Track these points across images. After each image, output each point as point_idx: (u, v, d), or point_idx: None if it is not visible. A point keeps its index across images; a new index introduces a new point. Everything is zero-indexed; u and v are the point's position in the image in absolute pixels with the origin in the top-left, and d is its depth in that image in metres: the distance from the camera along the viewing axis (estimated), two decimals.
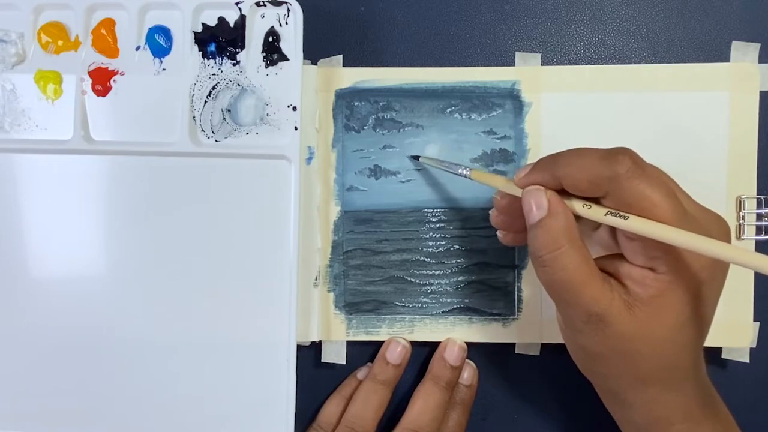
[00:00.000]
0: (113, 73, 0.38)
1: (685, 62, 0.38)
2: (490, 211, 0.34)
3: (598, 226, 0.32)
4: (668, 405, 0.29)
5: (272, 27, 0.38)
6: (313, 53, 0.39)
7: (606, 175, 0.27)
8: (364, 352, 0.40)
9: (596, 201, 0.28)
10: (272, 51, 0.37)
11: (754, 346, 0.38)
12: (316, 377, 0.40)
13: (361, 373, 0.40)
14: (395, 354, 0.38)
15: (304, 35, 0.37)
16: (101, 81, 0.38)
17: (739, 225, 0.38)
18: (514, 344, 0.39)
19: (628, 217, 0.26)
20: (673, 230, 0.25)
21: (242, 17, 0.37)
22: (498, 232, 0.34)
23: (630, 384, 0.30)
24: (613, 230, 0.30)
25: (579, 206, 0.28)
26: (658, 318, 0.27)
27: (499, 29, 0.39)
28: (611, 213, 0.27)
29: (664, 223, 0.26)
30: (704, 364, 0.31)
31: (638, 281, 0.28)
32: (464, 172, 0.35)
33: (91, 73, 0.38)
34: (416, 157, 0.39)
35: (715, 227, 0.29)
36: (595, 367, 0.31)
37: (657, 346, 0.28)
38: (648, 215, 0.26)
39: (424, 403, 0.37)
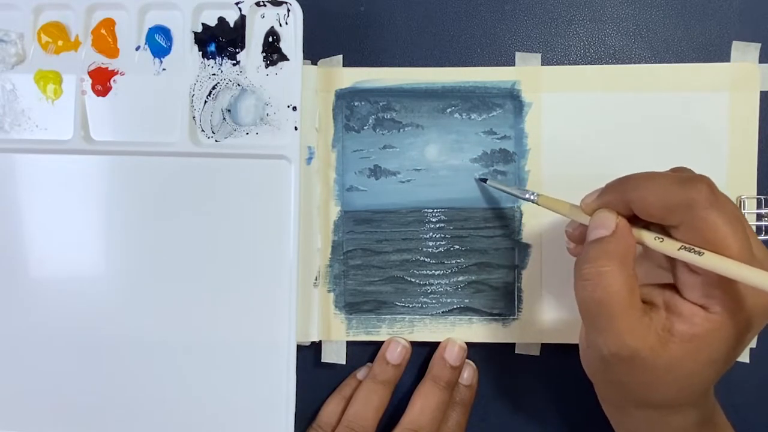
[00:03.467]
0: (113, 73, 0.38)
1: (685, 62, 0.38)
2: (566, 245, 0.33)
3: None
4: (670, 424, 0.29)
5: (272, 27, 0.38)
6: (313, 53, 0.39)
7: (682, 202, 0.26)
8: (364, 352, 0.40)
9: (664, 230, 0.27)
10: (272, 51, 0.37)
11: (754, 346, 0.38)
12: (316, 377, 0.40)
13: (361, 373, 0.40)
14: (395, 354, 0.38)
15: (304, 35, 0.37)
16: (101, 81, 0.38)
17: None
18: (514, 344, 0.39)
19: (704, 253, 0.25)
20: (752, 270, 0.24)
21: (242, 17, 0.37)
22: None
23: (638, 404, 0.29)
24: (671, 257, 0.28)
25: (650, 238, 0.27)
26: (694, 355, 0.26)
27: (499, 29, 0.39)
28: (685, 248, 0.26)
29: (733, 257, 0.25)
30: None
31: (686, 318, 0.26)
32: (532, 197, 0.34)
33: (91, 73, 0.38)
34: (483, 180, 0.38)
35: None
36: (607, 385, 0.30)
37: (681, 379, 0.27)
38: (718, 249, 0.25)
39: (424, 403, 0.37)
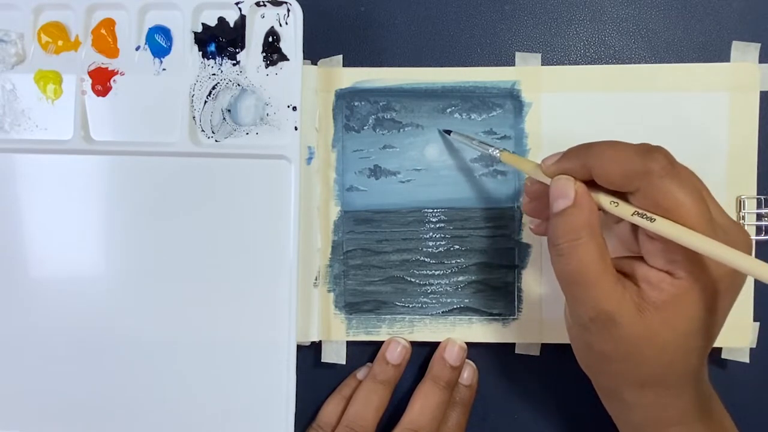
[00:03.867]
0: (113, 73, 0.38)
1: (685, 62, 0.38)
2: (521, 198, 0.34)
3: (619, 220, 0.32)
4: (666, 408, 0.29)
5: (272, 27, 0.38)
6: (313, 53, 0.39)
7: (639, 170, 0.27)
8: (364, 352, 0.40)
9: (624, 196, 0.28)
10: (272, 51, 0.37)
11: (754, 346, 0.38)
12: (316, 377, 0.40)
13: (361, 373, 0.40)
14: (395, 354, 0.38)
15: (304, 35, 0.37)
16: (101, 81, 0.38)
17: None
18: (514, 344, 0.39)
19: (655, 219, 0.26)
20: (699, 237, 0.25)
21: (242, 17, 0.37)
22: (529, 224, 0.34)
23: (630, 385, 0.30)
24: (634, 227, 0.29)
25: (606, 202, 0.28)
26: (669, 323, 0.27)
27: (499, 29, 0.39)
28: (638, 213, 0.27)
29: (690, 227, 0.26)
30: (707, 368, 0.30)
31: (654, 284, 0.27)
32: (494, 153, 0.35)
33: (91, 73, 0.38)
34: (448, 132, 0.38)
35: (739, 239, 0.28)
36: (596, 365, 0.31)
37: (663, 350, 0.28)
38: (675, 217, 0.26)
39: (424, 403, 0.37)
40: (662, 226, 0.26)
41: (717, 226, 0.27)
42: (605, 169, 0.28)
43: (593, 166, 0.28)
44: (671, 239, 0.26)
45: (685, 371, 0.29)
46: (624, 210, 0.27)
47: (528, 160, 0.33)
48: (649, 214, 0.26)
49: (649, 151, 0.27)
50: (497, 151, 0.35)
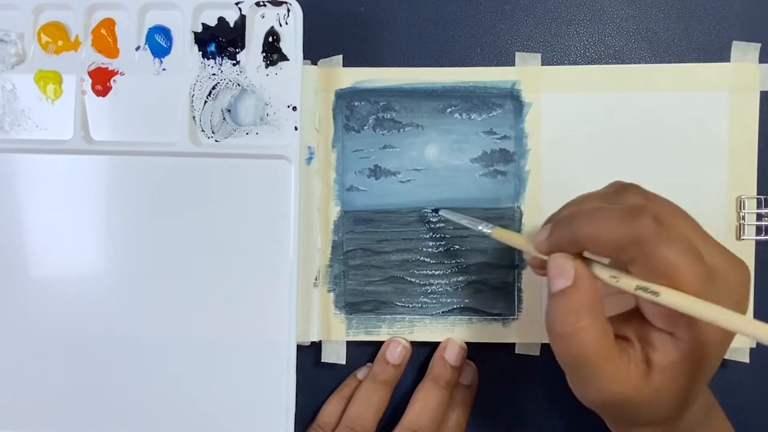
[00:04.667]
0: (113, 73, 0.38)
1: (685, 62, 0.38)
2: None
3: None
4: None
5: (272, 27, 0.38)
6: (313, 53, 0.39)
7: (630, 240, 0.25)
8: (364, 352, 0.40)
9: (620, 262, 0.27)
10: (272, 51, 0.37)
11: (754, 346, 0.38)
12: (316, 377, 0.40)
13: (361, 373, 0.40)
14: (395, 354, 0.38)
15: (304, 35, 0.37)
16: (101, 81, 0.38)
17: (739, 225, 0.38)
18: (514, 344, 0.39)
19: (659, 293, 0.25)
20: (705, 306, 0.24)
21: (242, 17, 0.37)
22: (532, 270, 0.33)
23: (633, 425, 0.29)
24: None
25: (606, 276, 0.27)
26: (674, 381, 0.27)
27: (499, 29, 0.39)
28: (641, 288, 0.26)
29: (689, 289, 0.25)
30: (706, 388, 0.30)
31: (658, 348, 0.26)
32: (485, 230, 0.34)
33: (91, 73, 0.38)
34: (436, 211, 0.39)
35: (736, 277, 0.27)
36: (604, 417, 0.30)
37: (666, 403, 0.27)
38: (674, 281, 0.25)
39: (424, 403, 0.37)
40: (668, 299, 0.25)
41: (714, 277, 0.26)
42: (595, 242, 0.27)
43: (582, 240, 0.27)
44: (676, 309, 0.25)
45: (683, 411, 0.28)
46: (626, 284, 0.26)
47: (519, 236, 0.32)
48: (652, 288, 0.25)
49: (632, 214, 0.26)
50: (488, 228, 0.34)
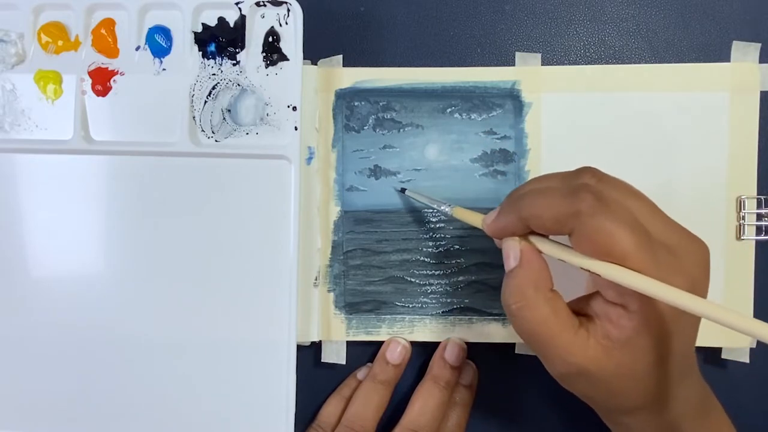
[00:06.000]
0: (113, 73, 0.38)
1: (685, 62, 0.38)
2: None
3: None
4: (660, 425, 0.29)
5: (272, 27, 0.38)
6: (313, 53, 0.39)
7: (568, 213, 0.26)
8: (364, 352, 0.40)
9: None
10: (272, 51, 0.37)
11: (754, 346, 0.38)
12: (316, 377, 0.40)
13: (361, 373, 0.40)
14: (395, 354, 0.38)
15: (304, 35, 0.37)
16: (101, 81, 0.38)
17: (739, 225, 0.38)
18: (514, 344, 0.39)
19: (600, 275, 0.26)
20: (638, 277, 0.25)
21: (242, 17, 0.37)
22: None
23: (618, 414, 0.30)
24: None
25: (554, 252, 0.28)
26: (637, 357, 0.27)
27: (499, 29, 0.39)
28: (585, 270, 0.27)
29: (626, 258, 0.25)
30: (696, 373, 0.30)
31: (614, 322, 0.27)
32: (447, 209, 0.35)
33: (91, 73, 0.38)
34: (402, 191, 0.39)
35: (691, 256, 0.27)
36: (584, 399, 0.30)
37: (639, 382, 0.28)
38: (611, 251, 0.25)
39: (423, 403, 0.37)
40: (610, 273, 0.26)
41: (659, 251, 0.26)
42: (537, 218, 0.27)
43: (527, 218, 0.28)
44: (613, 281, 0.26)
45: (665, 395, 0.28)
46: (573, 263, 0.27)
47: (476, 214, 0.32)
48: (593, 270, 0.26)
49: (575, 191, 0.27)
50: (449, 207, 0.35)
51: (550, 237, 0.29)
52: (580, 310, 0.29)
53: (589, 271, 0.26)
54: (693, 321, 0.28)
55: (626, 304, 0.27)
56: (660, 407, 0.29)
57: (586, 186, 0.27)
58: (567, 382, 0.29)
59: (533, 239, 0.29)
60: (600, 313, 0.28)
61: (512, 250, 0.29)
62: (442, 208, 0.36)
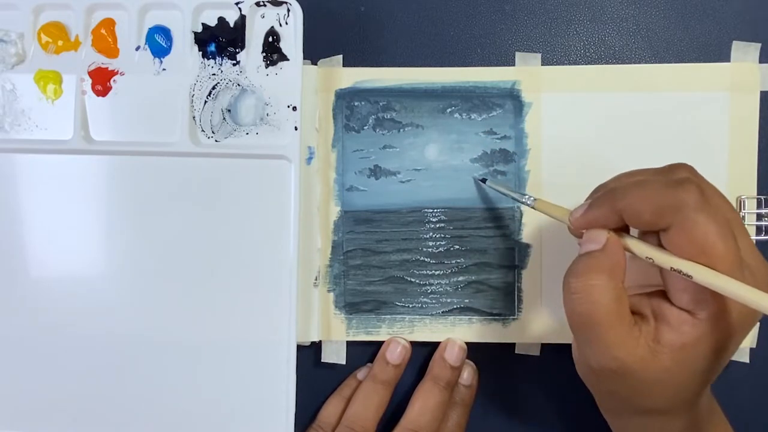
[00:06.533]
0: (113, 73, 0.38)
1: (685, 62, 0.38)
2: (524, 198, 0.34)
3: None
4: (668, 428, 0.29)
5: (272, 27, 0.38)
6: (313, 53, 0.39)
7: (671, 204, 0.25)
8: (364, 352, 0.40)
9: (656, 238, 0.27)
10: (272, 51, 0.37)
11: (754, 346, 0.38)
12: (316, 377, 0.40)
13: (361, 374, 0.40)
14: (395, 354, 0.38)
15: (304, 35, 0.37)
16: (101, 81, 0.38)
17: None
18: (514, 344, 0.39)
19: (691, 276, 0.25)
20: (742, 287, 0.24)
21: (242, 17, 0.37)
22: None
23: (634, 412, 0.29)
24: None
25: (642, 256, 0.27)
26: (684, 364, 0.26)
27: (499, 29, 0.39)
28: (675, 270, 0.26)
29: (723, 268, 0.25)
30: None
31: (674, 326, 0.26)
32: (528, 201, 0.34)
33: (91, 73, 0.38)
34: (483, 180, 0.38)
35: (763, 276, 0.27)
36: (600, 394, 0.30)
37: (678, 387, 0.27)
38: (707, 251, 0.25)
39: (424, 403, 0.37)
40: (702, 277, 0.25)
41: (745, 267, 0.26)
42: (635, 208, 0.26)
43: (623, 209, 0.27)
44: (712, 288, 0.25)
45: (690, 400, 0.28)
46: (662, 262, 0.26)
47: (561, 208, 0.31)
48: (685, 271, 0.25)
49: (679, 182, 0.26)
50: (531, 199, 0.34)
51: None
52: (632, 307, 0.28)
53: (679, 271, 0.25)
54: (741, 339, 0.28)
55: (696, 311, 0.26)
56: (687, 410, 0.28)
57: (689, 179, 0.26)
58: (601, 376, 0.28)
59: (623, 236, 0.28)
60: (659, 314, 0.27)
61: (596, 235, 0.28)
62: (523, 200, 0.35)
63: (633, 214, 0.27)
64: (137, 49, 0.38)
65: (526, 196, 0.34)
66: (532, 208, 0.34)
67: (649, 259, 0.27)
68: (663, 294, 0.27)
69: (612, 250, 0.27)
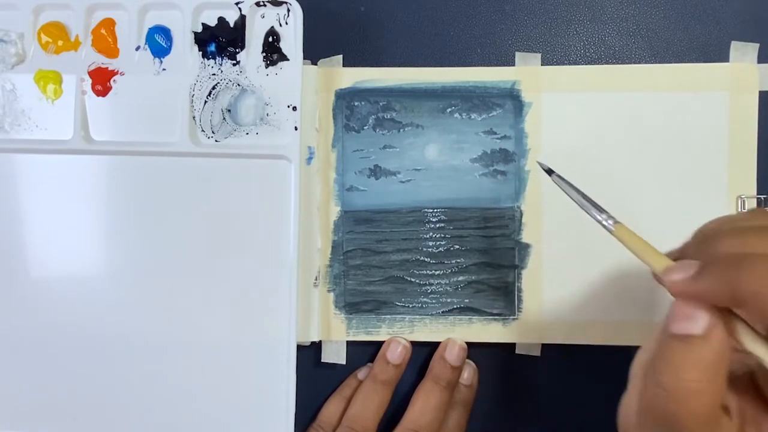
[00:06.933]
0: (113, 73, 0.38)
1: (685, 62, 0.39)
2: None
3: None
4: None
5: (272, 27, 0.38)
6: (313, 53, 0.39)
7: None
8: (364, 352, 0.40)
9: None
10: (272, 51, 0.37)
11: None
12: (316, 377, 0.40)
13: (361, 374, 0.40)
14: (395, 354, 0.38)
15: (304, 35, 0.37)
16: (101, 81, 0.38)
17: None
18: (514, 344, 0.39)
19: None
20: None
21: (242, 17, 0.37)
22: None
23: None
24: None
25: (753, 347, 0.21)
26: None
27: (499, 29, 0.39)
28: None
29: None
30: None
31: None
32: (607, 223, 0.26)
33: (91, 73, 0.38)
34: (549, 171, 0.31)
35: None
36: None
37: None
38: None
39: (424, 403, 0.37)
40: None
41: None
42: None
43: (749, 297, 0.20)
44: None
45: None
46: None
47: (650, 247, 0.24)
48: None
49: None
50: (611, 221, 0.26)
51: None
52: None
53: None
54: None
55: None
56: None
57: None
58: None
59: (731, 319, 0.22)
60: (748, 415, 0.23)
61: (697, 315, 0.21)
62: (599, 217, 0.27)
63: (760, 306, 0.20)
64: (137, 49, 0.38)
65: (604, 216, 0.27)
66: (609, 232, 0.26)
67: (761, 360, 0.21)
68: (756, 389, 0.23)
69: (716, 340, 0.21)
